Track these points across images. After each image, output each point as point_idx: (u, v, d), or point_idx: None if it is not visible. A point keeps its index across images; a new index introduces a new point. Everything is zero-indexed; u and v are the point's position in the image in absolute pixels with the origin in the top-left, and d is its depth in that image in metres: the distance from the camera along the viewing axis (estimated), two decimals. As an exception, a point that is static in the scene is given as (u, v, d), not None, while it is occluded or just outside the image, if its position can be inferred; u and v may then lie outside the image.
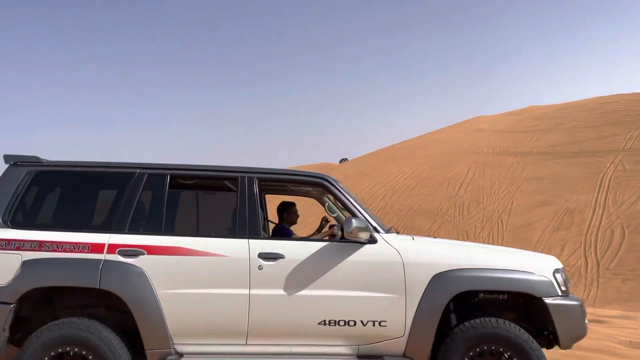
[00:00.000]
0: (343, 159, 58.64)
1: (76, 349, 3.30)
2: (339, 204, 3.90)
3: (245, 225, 3.58)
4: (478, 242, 20.90)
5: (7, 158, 3.66)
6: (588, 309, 12.95)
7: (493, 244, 20.19)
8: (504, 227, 21.19)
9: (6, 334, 3.33)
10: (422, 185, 28.00)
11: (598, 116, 30.44)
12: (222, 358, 3.40)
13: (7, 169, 3.62)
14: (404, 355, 3.49)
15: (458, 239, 21.38)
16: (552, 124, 32.32)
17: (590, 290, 15.53)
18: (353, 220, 3.44)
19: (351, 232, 3.43)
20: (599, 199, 20.78)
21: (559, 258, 18.37)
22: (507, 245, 19.81)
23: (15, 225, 3.51)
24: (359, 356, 3.49)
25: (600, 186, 21.78)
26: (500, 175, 26.58)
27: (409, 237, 3.77)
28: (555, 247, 18.50)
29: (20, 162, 3.63)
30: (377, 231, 3.63)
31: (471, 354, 3.43)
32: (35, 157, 3.67)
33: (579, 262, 17.25)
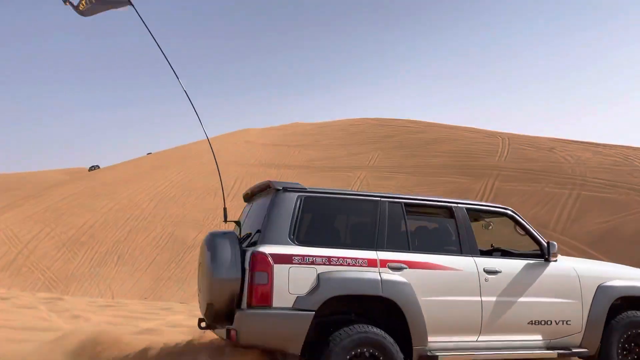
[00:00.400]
0: (93, 167, 52.25)
1: (371, 350, 3.78)
2: (519, 228, 4.81)
3: (467, 245, 4.44)
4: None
5: (276, 184, 4.14)
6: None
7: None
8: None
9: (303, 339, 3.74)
10: (189, 194, 27.57)
11: (348, 136, 34.29)
12: (461, 352, 4.14)
13: (279, 194, 4.04)
14: (580, 347, 4.57)
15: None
16: (312, 141, 35.22)
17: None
18: (555, 244, 4.67)
19: (554, 254, 4.62)
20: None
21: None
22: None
23: (300, 242, 3.95)
24: (549, 347, 4.48)
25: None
26: (265, 186, 27.86)
27: (572, 258, 5.09)
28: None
29: (289, 188, 4.11)
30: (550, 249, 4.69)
31: (623, 338, 4.63)
32: (298, 183, 4.23)
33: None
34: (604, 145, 26.69)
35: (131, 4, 6.16)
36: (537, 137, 29.16)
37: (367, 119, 39.03)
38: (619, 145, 26.61)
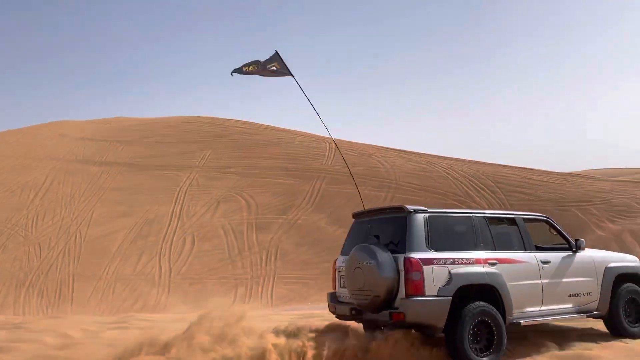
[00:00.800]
0: None
1: (485, 318, 5.59)
2: (554, 230, 6.91)
3: (528, 243, 6.43)
4: (53, 254, 19.31)
5: (407, 209, 5.87)
6: (156, 314, 13.62)
7: (70, 255, 19.07)
8: (82, 238, 20.30)
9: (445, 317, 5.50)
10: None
11: (179, 134, 33.09)
12: (532, 318, 6.10)
13: (412, 215, 5.74)
14: (597, 310, 6.68)
15: (30, 252, 19.38)
16: (137, 137, 33.23)
17: (162, 295, 16.47)
18: (582, 240, 6.85)
19: (583, 248, 6.81)
20: (175, 210, 22.45)
21: (136, 266, 18.85)
22: (85, 256, 19.02)
23: (434, 249, 5.67)
24: (579, 312, 6.54)
25: (177, 198, 23.59)
26: (82, 184, 25.47)
27: (588, 249, 7.02)
28: (132, 256, 18.87)
29: (418, 210, 5.88)
30: (578, 244, 6.85)
31: (624, 303, 6.87)
32: (423, 207, 5.99)
33: (154, 269, 18.12)
34: (414, 153, 29.82)
35: (292, 75, 7.86)
36: (359, 143, 31.41)
37: (200, 117, 38.14)
38: (426, 153, 29.97)
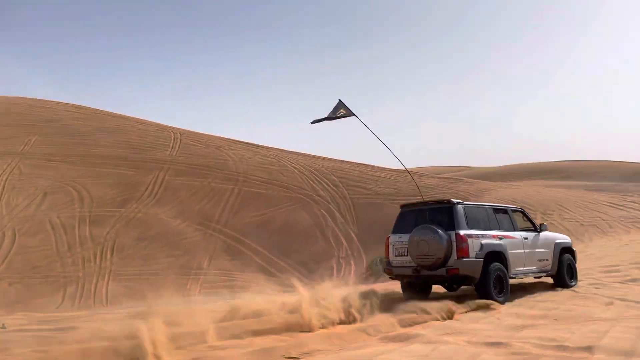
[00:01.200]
0: None
1: (500, 274, 8.25)
2: (525, 218, 9.80)
3: (516, 226, 9.29)
4: None
5: (453, 201, 8.49)
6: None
7: None
8: None
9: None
10: None
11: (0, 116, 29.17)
12: (519, 275, 8.97)
13: (456, 206, 8.37)
14: (550, 271, 9.50)
15: None
16: (-56, 117, 28.61)
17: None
18: (545, 224, 10.01)
19: (544, 230, 9.78)
20: (-9, 202, 19.74)
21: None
22: None
23: (471, 228, 8.29)
24: (540, 271, 9.41)
25: (-6, 189, 20.77)
26: None
27: (547, 231, 9.92)
28: None
29: (458, 202, 8.48)
30: (542, 227, 9.84)
31: (566, 266, 9.75)
32: (459, 200, 8.68)
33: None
34: (262, 147, 30.03)
35: (356, 116, 10.11)
36: (207, 134, 30.71)
37: (27, 98, 34.06)
38: (274, 148, 30.36)
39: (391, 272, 8.83)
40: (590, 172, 60.32)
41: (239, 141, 30.53)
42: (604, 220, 23.35)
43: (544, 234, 9.77)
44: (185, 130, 30.48)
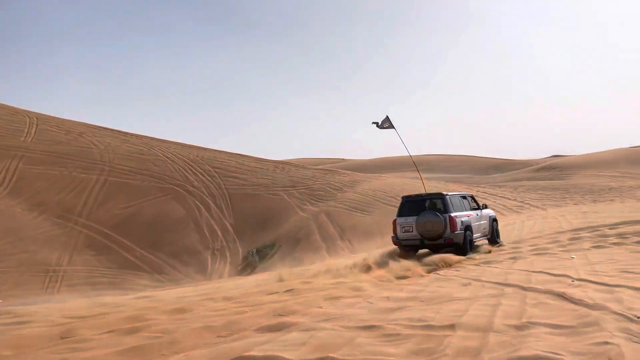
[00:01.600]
0: None
1: (471, 239, 11.74)
2: (473, 201, 13.08)
3: (473, 206, 12.77)
4: None
5: (444, 193, 11.81)
6: None
7: None
8: None
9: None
10: None
11: None
12: (477, 240, 12.19)
13: (445, 196, 11.57)
14: (487, 236, 12.90)
15: None
16: None
17: None
18: (486, 204, 14.23)
19: (486, 208, 13.59)
20: None
21: None
22: None
23: (456, 211, 11.46)
24: (483, 237, 12.65)
25: None
26: None
27: (487, 209, 13.85)
28: None
29: (445, 194, 11.71)
30: (485, 207, 13.58)
31: (496, 231, 13.68)
32: (448, 192, 12.22)
33: None
34: (132, 135, 28.34)
35: (394, 128, 14.07)
36: (68, 120, 28.28)
37: None
38: (145, 136, 28.83)
39: (400, 243, 11.86)
40: (449, 165, 65.85)
41: (105, 128, 28.54)
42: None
43: (484, 211, 13.38)
44: (43, 114, 27.73)
